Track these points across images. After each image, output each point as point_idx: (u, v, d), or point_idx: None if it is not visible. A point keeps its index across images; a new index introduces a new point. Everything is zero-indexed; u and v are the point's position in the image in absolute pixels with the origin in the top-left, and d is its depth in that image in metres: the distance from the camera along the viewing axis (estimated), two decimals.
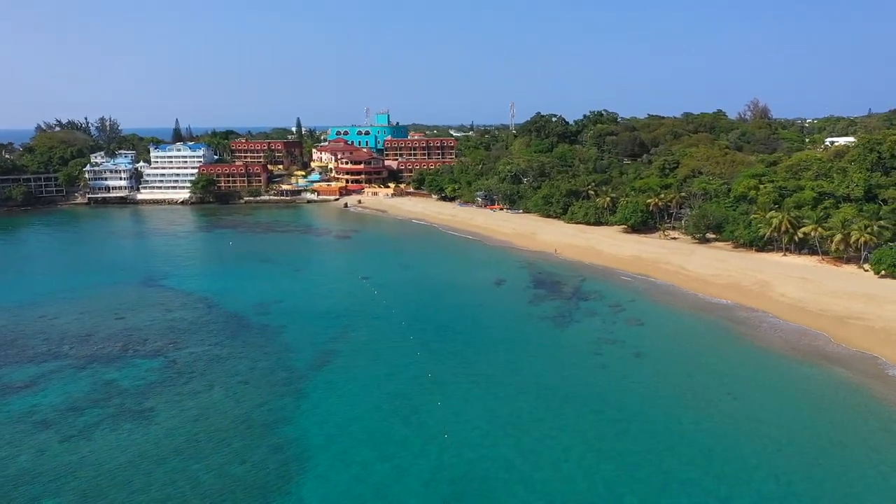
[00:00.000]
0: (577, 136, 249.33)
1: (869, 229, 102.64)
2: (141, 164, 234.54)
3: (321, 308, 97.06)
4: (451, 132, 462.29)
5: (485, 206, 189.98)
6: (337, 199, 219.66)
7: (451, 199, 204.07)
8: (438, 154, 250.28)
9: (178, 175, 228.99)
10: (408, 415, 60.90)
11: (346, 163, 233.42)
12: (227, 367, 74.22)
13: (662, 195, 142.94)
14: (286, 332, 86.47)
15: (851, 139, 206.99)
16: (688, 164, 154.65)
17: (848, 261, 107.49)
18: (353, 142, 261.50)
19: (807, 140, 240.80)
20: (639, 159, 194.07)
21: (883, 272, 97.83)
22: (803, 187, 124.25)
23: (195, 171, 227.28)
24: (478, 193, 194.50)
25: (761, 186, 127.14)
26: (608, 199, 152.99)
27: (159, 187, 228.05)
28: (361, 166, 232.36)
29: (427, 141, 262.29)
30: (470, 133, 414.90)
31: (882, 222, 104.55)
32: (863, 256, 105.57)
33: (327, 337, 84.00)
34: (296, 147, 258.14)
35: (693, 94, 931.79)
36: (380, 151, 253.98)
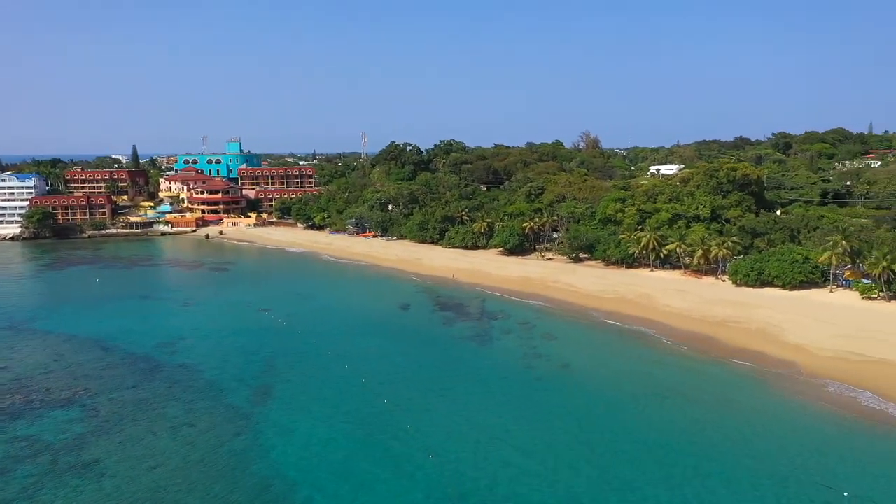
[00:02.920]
0: (430, 164, 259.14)
1: (726, 245, 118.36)
2: None
3: (233, 343, 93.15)
4: (288, 160, 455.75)
5: (357, 234, 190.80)
6: (195, 231, 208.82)
7: (320, 228, 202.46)
8: (297, 182, 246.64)
9: (3, 208, 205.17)
10: (383, 440, 61.18)
11: (202, 192, 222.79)
12: (159, 410, 69.37)
13: (537, 219, 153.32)
14: (206, 369, 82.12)
15: (674, 167, 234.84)
16: (553, 190, 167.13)
17: (706, 273, 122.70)
18: (202, 170, 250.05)
19: (633, 168, 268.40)
20: (501, 186, 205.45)
21: (739, 281, 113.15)
22: (660, 209, 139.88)
23: (25, 203, 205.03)
24: (349, 221, 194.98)
25: (626, 209, 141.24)
26: (485, 224, 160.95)
27: None
28: (219, 196, 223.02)
29: (285, 169, 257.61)
30: (314, 161, 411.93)
31: (735, 238, 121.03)
32: (719, 269, 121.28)
33: (255, 371, 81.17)
34: (141, 176, 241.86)
35: (529, 125, 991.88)
36: (234, 180, 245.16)
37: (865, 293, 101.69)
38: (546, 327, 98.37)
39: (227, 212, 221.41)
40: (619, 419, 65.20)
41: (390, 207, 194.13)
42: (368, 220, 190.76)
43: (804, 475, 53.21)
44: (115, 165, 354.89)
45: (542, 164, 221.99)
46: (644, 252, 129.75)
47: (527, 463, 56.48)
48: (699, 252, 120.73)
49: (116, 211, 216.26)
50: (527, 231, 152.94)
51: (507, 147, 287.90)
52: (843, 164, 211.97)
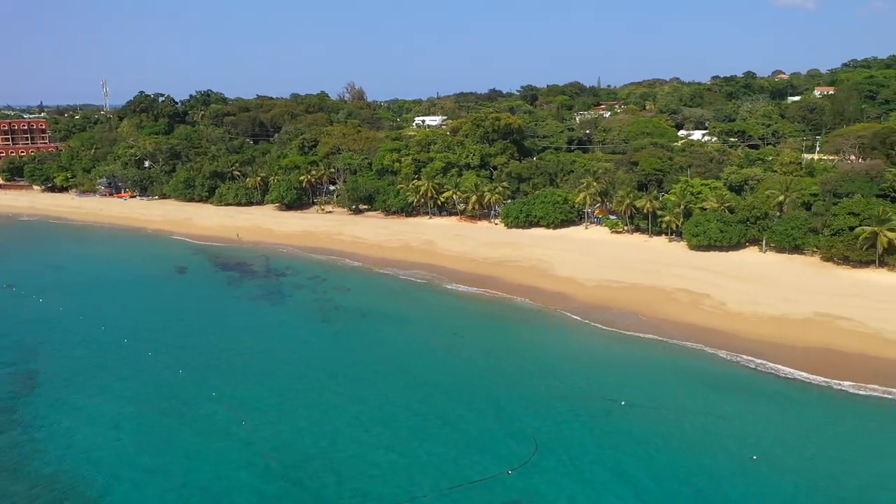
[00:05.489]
0: (186, 116, 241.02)
1: (497, 190, 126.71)
2: None
3: None
4: (8, 113, 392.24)
5: (111, 195, 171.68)
6: None
7: (64, 190, 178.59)
8: (27, 139, 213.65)
9: None
10: (186, 413, 56.94)
11: None
12: None
13: (314, 172, 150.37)
14: None
15: (437, 118, 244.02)
16: (327, 142, 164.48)
17: (480, 217, 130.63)
18: None
19: (399, 119, 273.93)
20: (270, 139, 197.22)
21: (510, 224, 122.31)
22: (434, 158, 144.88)
23: None
24: (100, 181, 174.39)
25: (402, 160, 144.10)
26: (258, 178, 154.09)
27: None
28: None
29: (9, 123, 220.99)
30: (43, 115, 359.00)
31: (504, 184, 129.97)
32: (492, 213, 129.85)
33: (13, 357, 70.57)
34: None
35: (285, 76, 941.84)
36: None
37: (613, 228, 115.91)
38: (337, 280, 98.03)
39: None
40: (425, 358, 67.83)
41: (147, 164, 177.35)
42: (123, 179, 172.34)
43: (588, 390, 59.98)
44: None
45: (311, 116, 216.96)
46: (423, 200, 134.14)
47: (353, 409, 56.84)
48: (473, 198, 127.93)
49: None
50: (304, 184, 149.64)
51: (271, 98, 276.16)
52: (582, 115, 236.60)
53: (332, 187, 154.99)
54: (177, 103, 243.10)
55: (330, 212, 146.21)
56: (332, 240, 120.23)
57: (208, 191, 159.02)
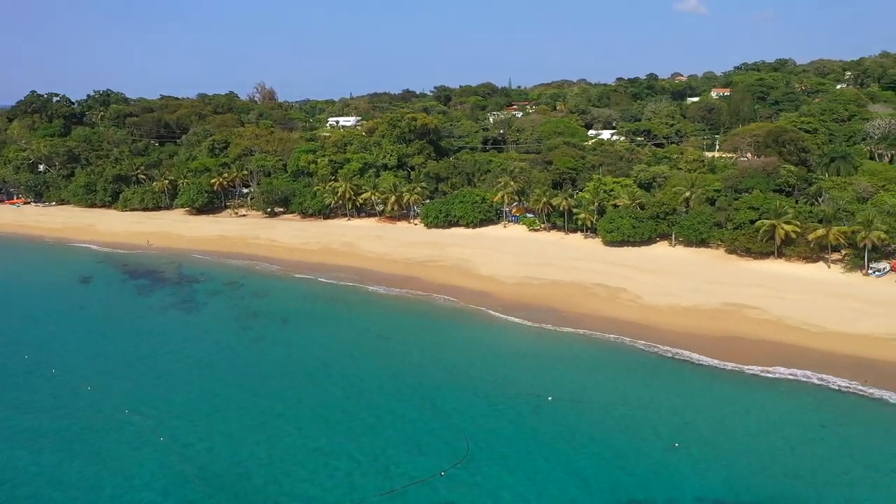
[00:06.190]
0: (84, 117, 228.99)
1: (416, 191, 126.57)
2: None
3: None
4: None
5: (0, 202, 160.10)
6: None
7: None
8: None
9: None
10: (101, 430, 53.84)
11: None
12: None
13: (226, 174, 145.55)
14: None
15: (351, 119, 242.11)
16: (239, 144, 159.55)
17: (400, 218, 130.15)
18: None
19: (312, 120, 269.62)
20: (177, 141, 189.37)
21: (430, 224, 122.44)
22: (350, 159, 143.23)
23: None
24: None
25: (318, 161, 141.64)
26: (166, 182, 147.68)
27: None
28: None
29: None
30: None
31: (423, 184, 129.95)
32: (411, 213, 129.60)
33: None
34: None
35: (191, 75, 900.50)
36: None
37: (531, 226, 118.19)
38: (255, 285, 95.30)
39: None
40: (351, 361, 66.99)
41: (42, 168, 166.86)
42: (15, 185, 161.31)
43: (515, 386, 60.75)
44: None
45: (220, 117, 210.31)
46: (340, 202, 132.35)
47: (285, 414, 55.65)
48: (392, 199, 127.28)
49: None
50: (216, 187, 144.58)
51: (177, 98, 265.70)
52: (496, 115, 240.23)
53: (245, 190, 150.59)
54: (73, 103, 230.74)
55: (244, 215, 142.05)
56: (247, 244, 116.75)
57: (111, 195, 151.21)
